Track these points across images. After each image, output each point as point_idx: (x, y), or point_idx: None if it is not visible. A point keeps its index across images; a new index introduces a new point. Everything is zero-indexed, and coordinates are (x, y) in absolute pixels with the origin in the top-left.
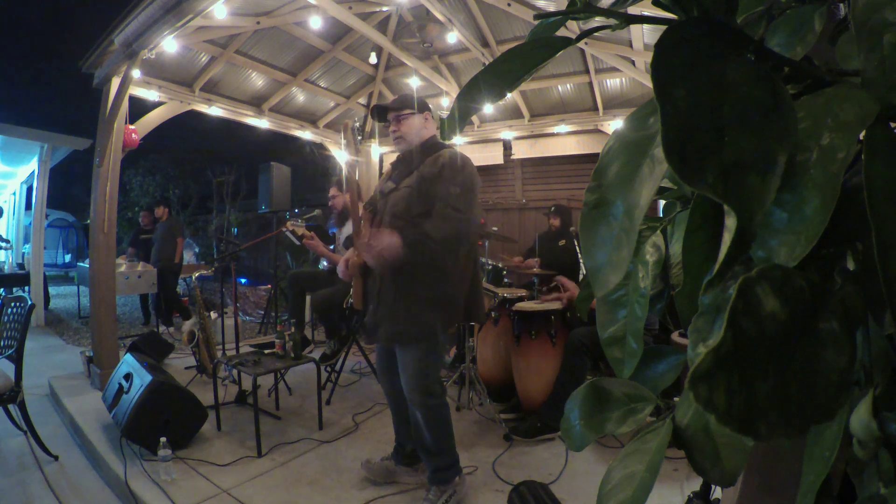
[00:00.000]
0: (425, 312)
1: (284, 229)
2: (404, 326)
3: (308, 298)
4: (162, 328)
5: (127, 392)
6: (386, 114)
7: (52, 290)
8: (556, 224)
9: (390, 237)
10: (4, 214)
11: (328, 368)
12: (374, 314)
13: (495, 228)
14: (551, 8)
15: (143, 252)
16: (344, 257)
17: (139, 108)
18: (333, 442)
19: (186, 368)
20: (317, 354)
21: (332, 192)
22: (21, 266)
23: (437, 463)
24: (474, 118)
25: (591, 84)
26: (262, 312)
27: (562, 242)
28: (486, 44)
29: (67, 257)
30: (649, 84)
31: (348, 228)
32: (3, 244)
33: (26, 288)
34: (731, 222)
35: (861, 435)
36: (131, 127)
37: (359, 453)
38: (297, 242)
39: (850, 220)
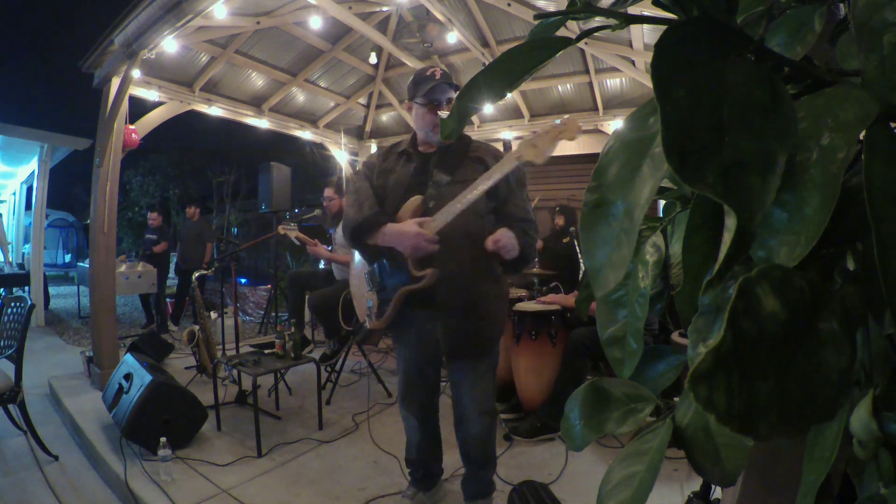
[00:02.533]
0: (502, 315)
1: (278, 233)
2: (492, 334)
3: (307, 298)
4: (171, 325)
5: (127, 392)
6: (449, 88)
7: (52, 290)
8: (560, 223)
9: (510, 236)
10: (4, 214)
11: (328, 368)
12: (455, 325)
13: None
14: (551, 8)
15: (146, 252)
16: (418, 226)
17: (139, 108)
18: (333, 442)
19: (186, 368)
20: (317, 354)
21: (328, 192)
22: (21, 266)
23: (488, 475)
24: (474, 118)
25: (591, 84)
26: (262, 312)
27: (565, 240)
28: (486, 44)
29: (67, 257)
30: (649, 84)
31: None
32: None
33: (26, 288)
34: (731, 222)
35: (861, 435)
36: (131, 127)
37: (359, 453)
38: (298, 243)
39: (850, 220)
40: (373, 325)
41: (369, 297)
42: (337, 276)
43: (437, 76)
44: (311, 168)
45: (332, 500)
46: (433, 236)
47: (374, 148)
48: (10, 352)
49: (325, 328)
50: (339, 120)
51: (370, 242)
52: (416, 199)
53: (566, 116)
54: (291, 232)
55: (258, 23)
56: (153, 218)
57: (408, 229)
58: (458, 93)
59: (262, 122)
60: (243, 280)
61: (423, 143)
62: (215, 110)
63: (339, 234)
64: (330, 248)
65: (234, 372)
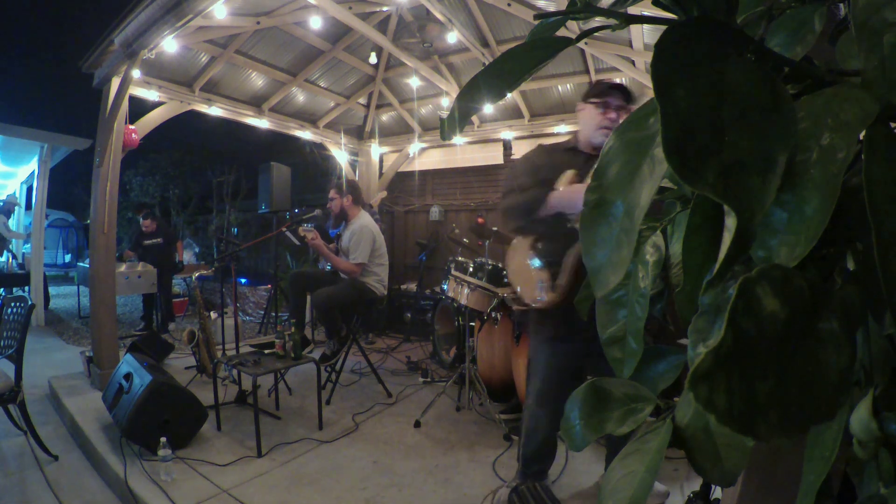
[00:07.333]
0: None
1: (288, 232)
2: None
3: (309, 298)
4: (172, 325)
5: (127, 392)
6: (622, 97)
7: (52, 290)
8: None
9: None
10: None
11: (328, 368)
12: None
13: (495, 228)
14: (551, 8)
15: (148, 258)
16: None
17: (139, 108)
18: (333, 442)
19: (186, 368)
20: (317, 354)
21: (332, 194)
22: (21, 266)
23: None
24: (474, 118)
25: (591, 84)
26: (262, 312)
27: None
28: (486, 44)
29: (67, 257)
30: (649, 84)
31: (347, 236)
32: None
33: (26, 288)
34: (731, 222)
35: (861, 435)
36: (131, 127)
37: (359, 453)
38: (298, 243)
39: (850, 220)
40: (550, 299)
41: (539, 274)
42: (342, 274)
43: (614, 82)
44: (311, 168)
45: (332, 500)
46: None
47: (374, 148)
48: (10, 352)
49: (327, 328)
50: (339, 120)
51: (539, 217)
52: (570, 172)
53: None
54: (309, 233)
55: (258, 23)
56: (146, 225)
57: (574, 186)
58: (630, 101)
59: (262, 122)
60: (243, 280)
61: (585, 143)
62: (215, 110)
63: (344, 238)
64: (336, 249)
65: (234, 372)
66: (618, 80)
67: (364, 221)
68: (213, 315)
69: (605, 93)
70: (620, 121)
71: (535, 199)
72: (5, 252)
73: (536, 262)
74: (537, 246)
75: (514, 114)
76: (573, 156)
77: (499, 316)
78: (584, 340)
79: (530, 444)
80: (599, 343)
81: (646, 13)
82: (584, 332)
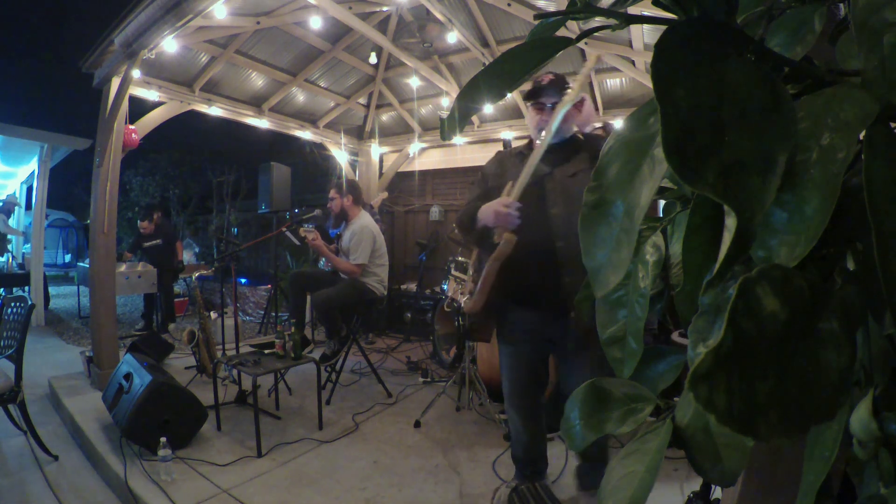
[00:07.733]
0: None
1: (288, 232)
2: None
3: (309, 298)
4: (172, 325)
5: (127, 392)
6: (555, 91)
7: (52, 290)
8: None
9: None
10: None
11: (328, 368)
12: (562, 317)
13: None
14: (551, 8)
15: (147, 260)
16: (498, 205)
17: (139, 108)
18: (333, 442)
19: (186, 368)
20: (317, 354)
21: (332, 194)
22: (21, 266)
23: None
24: (474, 118)
25: (591, 84)
26: (263, 312)
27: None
28: (486, 44)
29: (67, 257)
30: (649, 84)
31: (347, 236)
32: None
33: (26, 288)
34: (731, 222)
35: (861, 435)
36: (131, 127)
37: (359, 453)
38: (298, 243)
39: (850, 220)
40: (466, 307)
41: (469, 283)
42: (343, 274)
43: (545, 81)
44: (311, 168)
45: (332, 500)
46: (513, 202)
47: (374, 148)
48: (10, 352)
49: (327, 328)
50: (339, 120)
51: (475, 230)
52: (508, 186)
53: (589, 60)
54: (310, 233)
55: (258, 23)
56: (144, 227)
57: (492, 203)
58: (564, 95)
59: (262, 122)
60: (243, 280)
61: (535, 144)
62: (215, 110)
63: (345, 238)
64: (337, 250)
65: (234, 372)
66: (550, 76)
67: (364, 222)
68: (213, 315)
69: (536, 93)
70: (554, 116)
71: (470, 214)
72: (5, 252)
73: (469, 272)
74: (479, 257)
75: (514, 114)
76: (523, 159)
77: None
78: (543, 341)
79: (516, 446)
80: (569, 344)
81: (646, 13)
82: (543, 332)
